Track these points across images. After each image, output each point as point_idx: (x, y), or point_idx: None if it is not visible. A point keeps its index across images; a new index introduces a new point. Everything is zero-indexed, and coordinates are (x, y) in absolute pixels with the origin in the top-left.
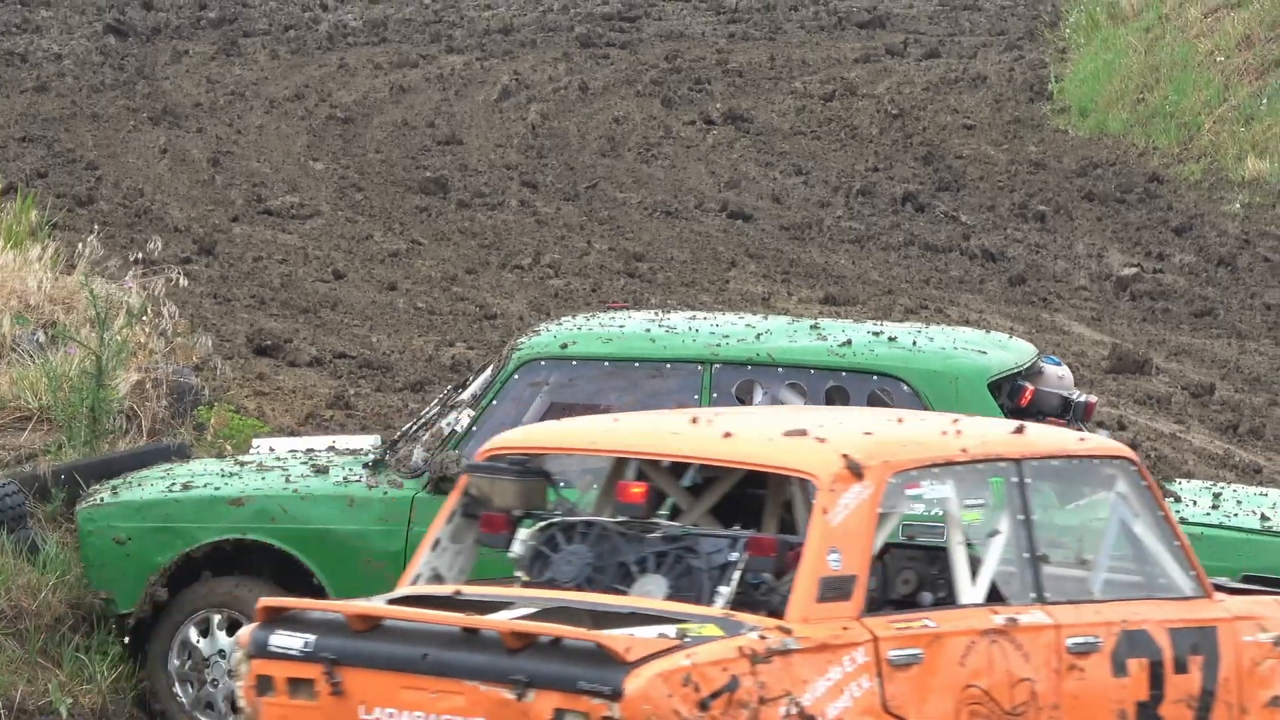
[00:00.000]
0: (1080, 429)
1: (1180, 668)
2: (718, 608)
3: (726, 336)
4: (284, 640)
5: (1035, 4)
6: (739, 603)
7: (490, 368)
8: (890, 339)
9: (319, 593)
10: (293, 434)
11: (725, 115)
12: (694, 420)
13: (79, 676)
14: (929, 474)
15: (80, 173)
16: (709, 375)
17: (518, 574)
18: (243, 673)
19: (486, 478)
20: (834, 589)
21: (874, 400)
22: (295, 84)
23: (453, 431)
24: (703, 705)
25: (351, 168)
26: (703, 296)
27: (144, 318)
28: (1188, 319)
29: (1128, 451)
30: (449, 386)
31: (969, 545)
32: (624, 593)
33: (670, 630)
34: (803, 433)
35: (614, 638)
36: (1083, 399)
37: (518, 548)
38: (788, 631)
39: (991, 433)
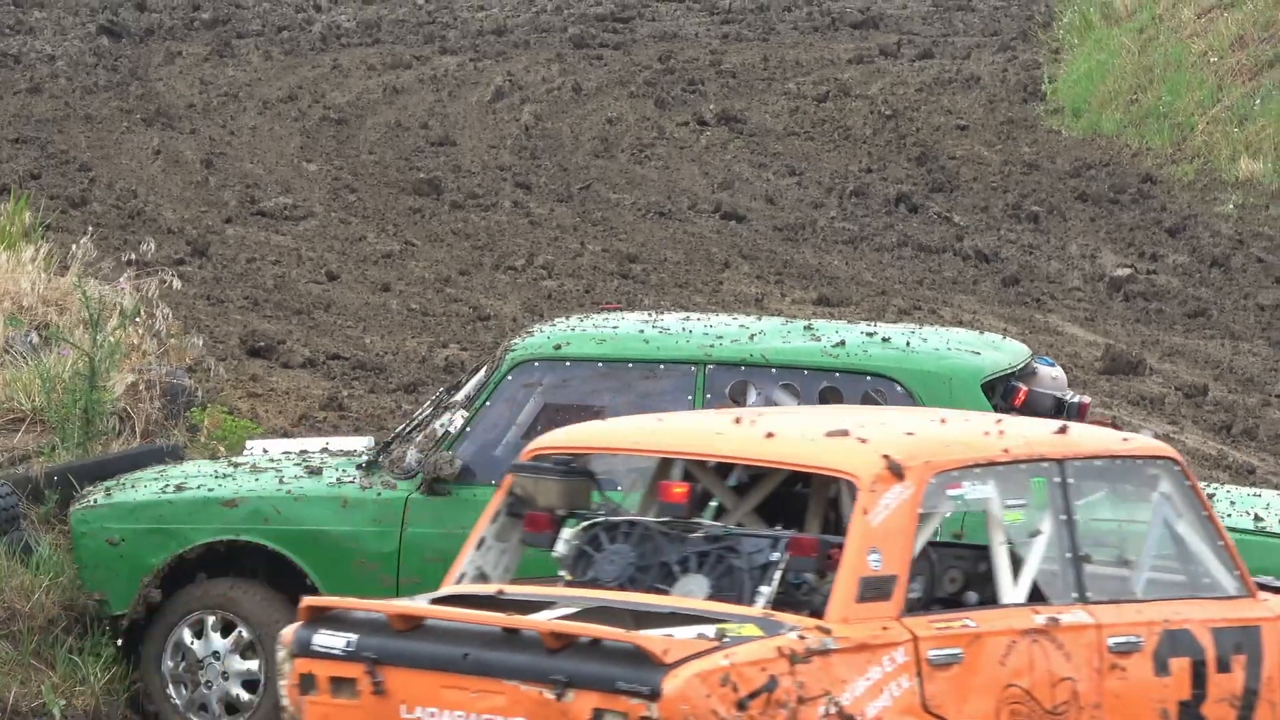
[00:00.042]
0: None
1: (1223, 667)
2: (758, 608)
3: (720, 337)
4: (327, 639)
5: (1029, 4)
6: (781, 603)
7: (484, 369)
8: (884, 340)
9: (312, 593)
10: (286, 435)
11: (719, 116)
12: (737, 420)
13: (72, 678)
14: (970, 474)
15: (73, 174)
16: (703, 376)
17: (561, 573)
18: (286, 671)
19: (531, 477)
20: (874, 589)
21: (867, 401)
22: (288, 85)
23: (446, 433)
24: (741, 705)
25: (345, 169)
26: (696, 297)
27: (137, 319)
28: (1181, 320)
29: (1171, 452)
30: (442, 388)
31: (1011, 545)
32: (666, 592)
33: (709, 630)
34: (845, 433)
35: (652, 639)
36: (1076, 400)
37: (561, 547)
38: (827, 631)
39: (1034, 433)
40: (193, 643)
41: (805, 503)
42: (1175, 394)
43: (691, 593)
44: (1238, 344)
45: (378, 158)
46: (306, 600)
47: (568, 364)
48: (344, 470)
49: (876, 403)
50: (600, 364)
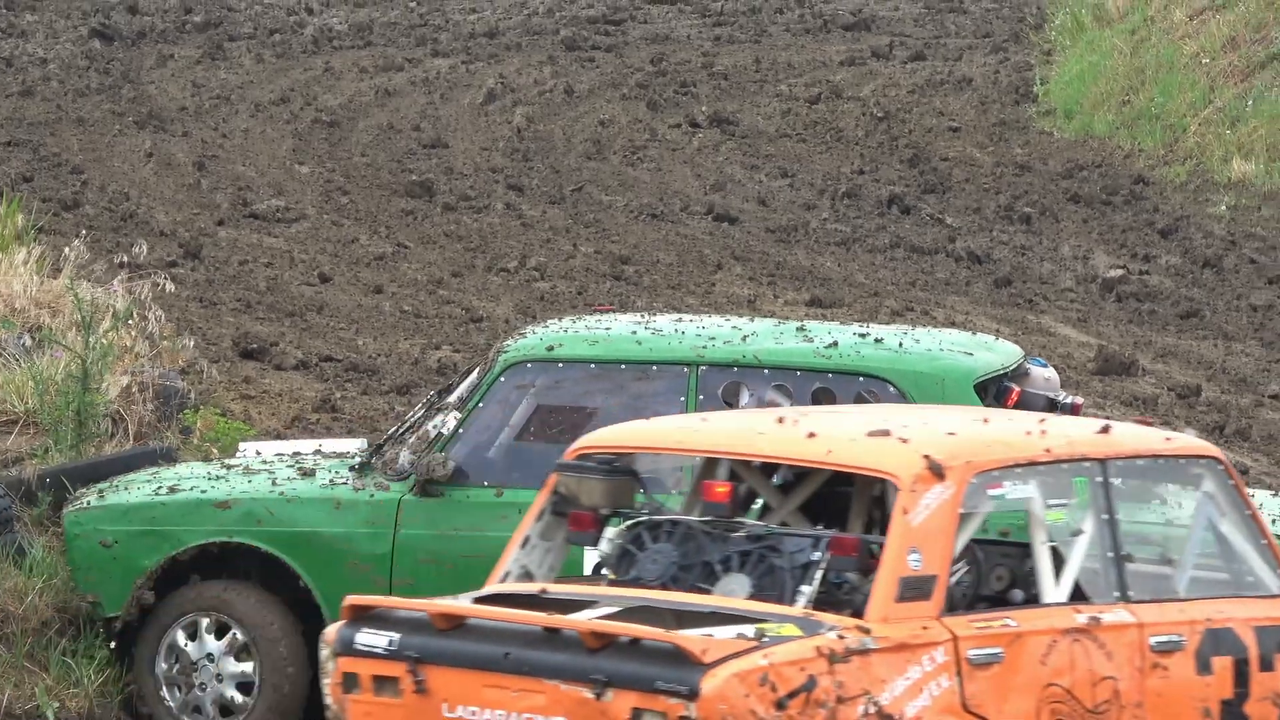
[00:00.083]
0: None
1: (1266, 665)
2: (799, 607)
3: (713, 338)
4: (369, 638)
5: (1020, 6)
6: (822, 602)
7: (476, 370)
8: (876, 340)
9: (304, 595)
10: (279, 437)
11: (710, 118)
12: (780, 420)
13: (66, 680)
14: (1011, 474)
15: (65, 177)
16: (695, 377)
17: (604, 572)
18: (329, 670)
19: (575, 476)
20: (914, 589)
21: (860, 402)
22: (280, 88)
23: (439, 434)
24: (779, 705)
25: (337, 171)
26: (689, 299)
27: (130, 321)
28: (1174, 320)
29: (1215, 450)
30: (435, 390)
31: (1053, 544)
32: (707, 592)
33: (749, 630)
34: (886, 433)
35: (690, 638)
36: (1069, 401)
37: (604, 546)
38: (866, 631)
39: (1076, 433)
40: (186, 645)
41: (848, 502)
42: (1168, 395)
43: (733, 592)
44: (1230, 345)
45: (370, 160)
46: (350, 599)
47: (560, 365)
48: (337, 472)
49: (869, 404)
50: (593, 365)
